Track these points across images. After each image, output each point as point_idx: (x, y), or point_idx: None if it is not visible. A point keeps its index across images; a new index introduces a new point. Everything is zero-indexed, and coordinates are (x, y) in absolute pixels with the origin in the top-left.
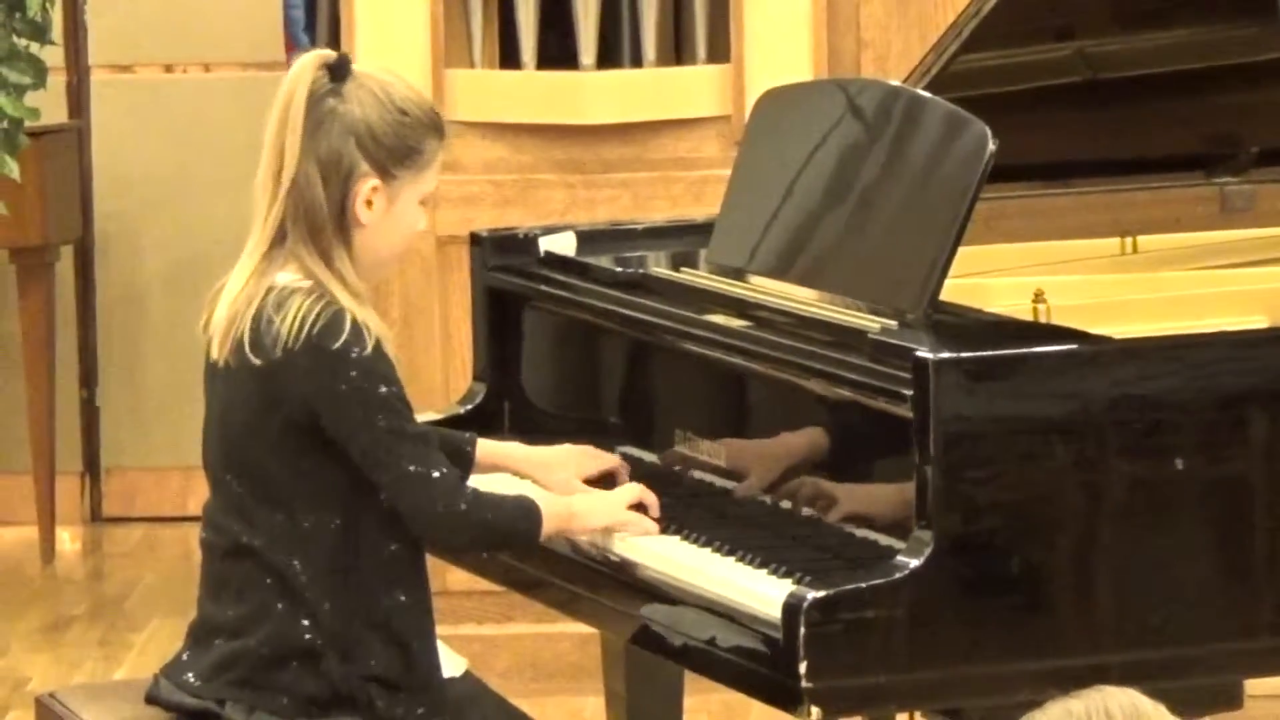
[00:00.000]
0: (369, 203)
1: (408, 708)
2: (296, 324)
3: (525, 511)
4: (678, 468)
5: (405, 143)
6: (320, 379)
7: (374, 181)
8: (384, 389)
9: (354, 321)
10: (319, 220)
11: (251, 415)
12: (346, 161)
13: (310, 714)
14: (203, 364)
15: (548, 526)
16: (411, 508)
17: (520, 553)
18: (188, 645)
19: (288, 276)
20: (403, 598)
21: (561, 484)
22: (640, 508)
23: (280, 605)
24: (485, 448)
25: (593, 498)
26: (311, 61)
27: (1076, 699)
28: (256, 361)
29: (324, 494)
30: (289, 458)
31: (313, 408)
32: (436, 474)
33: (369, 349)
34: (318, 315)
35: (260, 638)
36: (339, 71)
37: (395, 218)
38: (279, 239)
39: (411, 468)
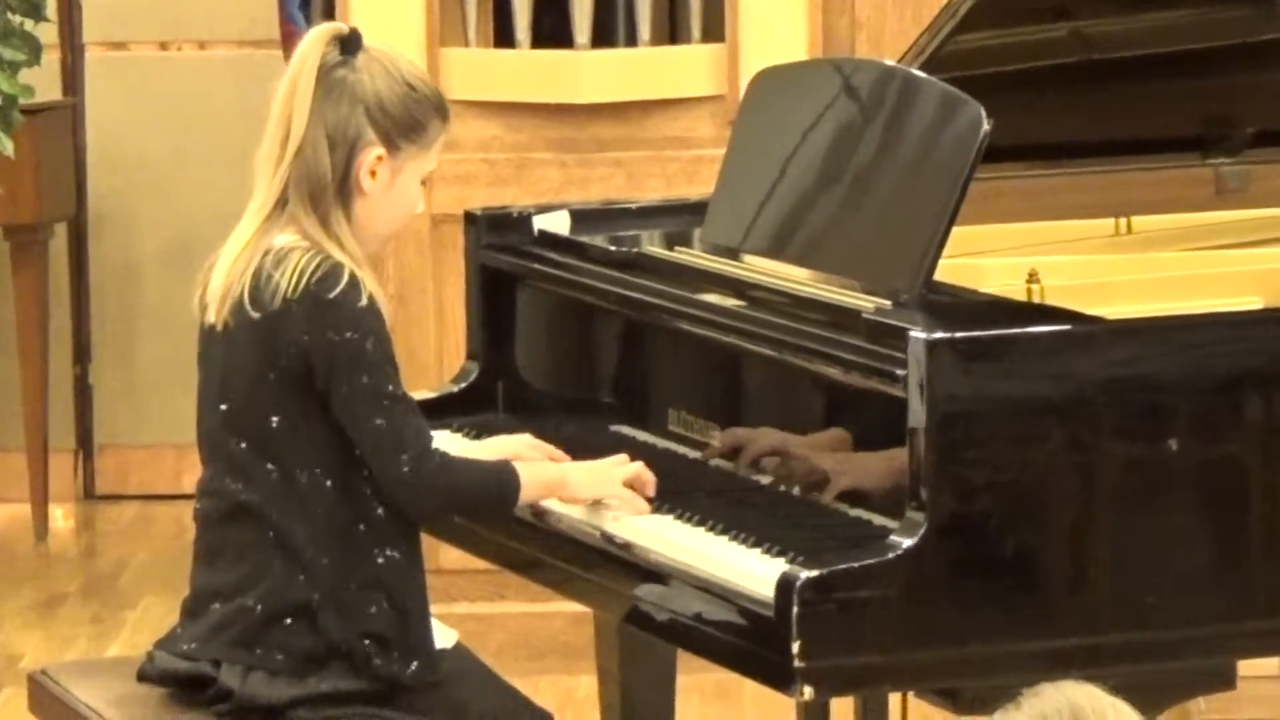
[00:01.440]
0: (373, 172)
1: (402, 665)
2: (296, 275)
3: (500, 479)
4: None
5: (412, 115)
6: (314, 326)
7: (379, 151)
8: (371, 345)
9: (351, 274)
10: (322, 185)
11: (252, 371)
12: (354, 129)
13: (306, 672)
14: (196, 341)
15: (530, 493)
16: (379, 467)
17: (503, 525)
18: (182, 619)
19: (285, 238)
20: (396, 555)
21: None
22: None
23: (278, 562)
24: None
25: (588, 468)
26: (323, 34)
27: (1038, 697)
28: (255, 315)
29: (319, 451)
30: (287, 413)
31: (306, 357)
32: (407, 435)
33: (364, 300)
34: (317, 266)
35: (258, 595)
36: (350, 45)
37: (397, 191)
38: (280, 204)
39: (382, 426)
